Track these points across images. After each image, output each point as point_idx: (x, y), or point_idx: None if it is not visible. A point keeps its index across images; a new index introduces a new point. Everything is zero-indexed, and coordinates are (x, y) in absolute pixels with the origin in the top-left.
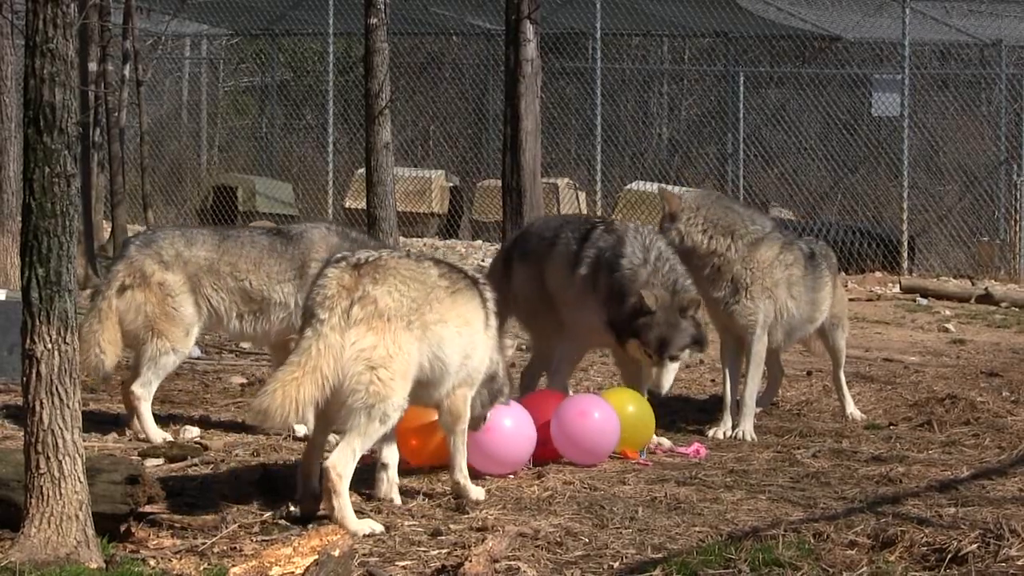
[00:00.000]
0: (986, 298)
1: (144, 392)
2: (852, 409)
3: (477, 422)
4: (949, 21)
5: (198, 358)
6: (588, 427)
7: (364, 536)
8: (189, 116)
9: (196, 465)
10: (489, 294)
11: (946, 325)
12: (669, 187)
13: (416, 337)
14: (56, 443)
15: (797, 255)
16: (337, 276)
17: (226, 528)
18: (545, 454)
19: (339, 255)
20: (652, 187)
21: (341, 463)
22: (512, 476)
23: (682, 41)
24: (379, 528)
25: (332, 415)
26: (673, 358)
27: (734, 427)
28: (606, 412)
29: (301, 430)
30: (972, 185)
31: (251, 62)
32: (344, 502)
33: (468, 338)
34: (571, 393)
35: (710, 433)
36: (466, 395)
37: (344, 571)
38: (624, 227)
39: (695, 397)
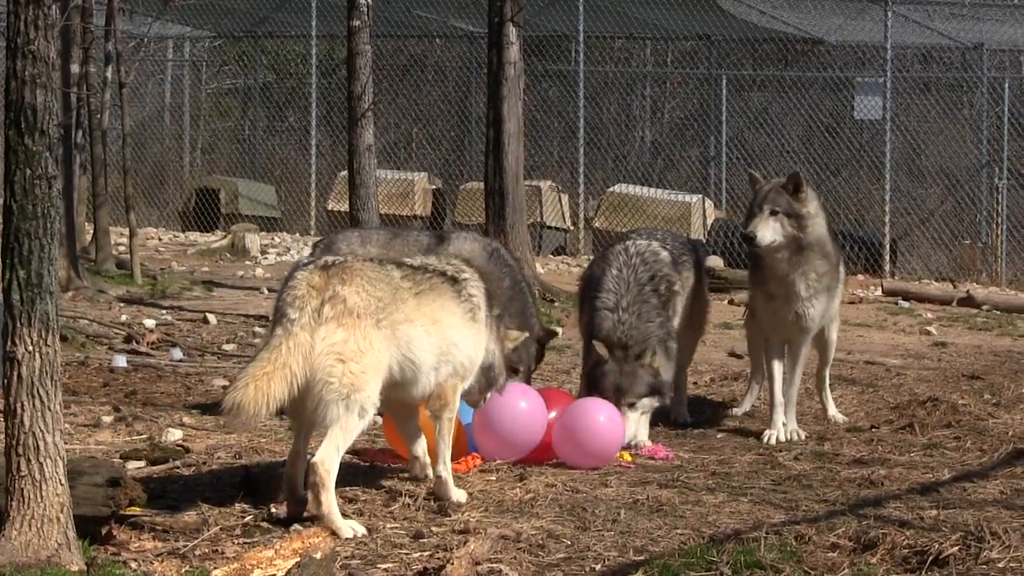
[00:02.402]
0: (968, 301)
1: None
2: (834, 412)
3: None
4: (931, 24)
5: (180, 360)
6: (594, 430)
7: (346, 538)
8: (172, 118)
9: (178, 467)
10: (474, 288)
11: (928, 328)
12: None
13: (385, 336)
14: (37, 445)
15: None
16: (307, 277)
17: (208, 530)
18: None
19: (306, 259)
20: (635, 189)
21: (328, 459)
22: (494, 478)
23: (665, 44)
24: (361, 531)
25: (309, 417)
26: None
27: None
28: (611, 415)
29: None
30: (954, 188)
31: (234, 64)
32: (331, 498)
33: (439, 336)
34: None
35: (765, 438)
36: (456, 386)
37: (326, 574)
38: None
39: None
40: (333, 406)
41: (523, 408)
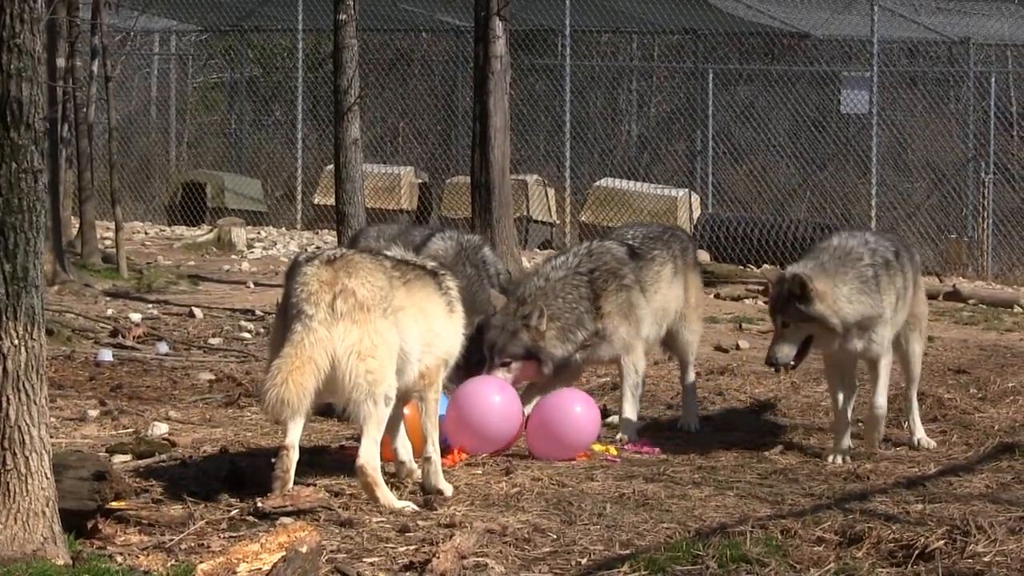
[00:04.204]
0: (954, 295)
1: None
2: (921, 434)
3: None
4: (917, 19)
5: (166, 354)
6: (568, 421)
7: (398, 509)
8: (158, 112)
9: (164, 461)
10: (450, 283)
11: None
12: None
13: (391, 323)
14: (23, 439)
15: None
16: (315, 273)
17: (194, 524)
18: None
19: (308, 254)
20: (621, 184)
21: (371, 458)
22: (480, 472)
23: (651, 38)
24: (413, 506)
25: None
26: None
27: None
28: (587, 406)
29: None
30: (940, 182)
31: (220, 58)
32: (385, 491)
33: (425, 325)
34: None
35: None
36: (439, 367)
37: (312, 567)
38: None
39: (663, 396)
40: (363, 405)
41: (498, 402)
